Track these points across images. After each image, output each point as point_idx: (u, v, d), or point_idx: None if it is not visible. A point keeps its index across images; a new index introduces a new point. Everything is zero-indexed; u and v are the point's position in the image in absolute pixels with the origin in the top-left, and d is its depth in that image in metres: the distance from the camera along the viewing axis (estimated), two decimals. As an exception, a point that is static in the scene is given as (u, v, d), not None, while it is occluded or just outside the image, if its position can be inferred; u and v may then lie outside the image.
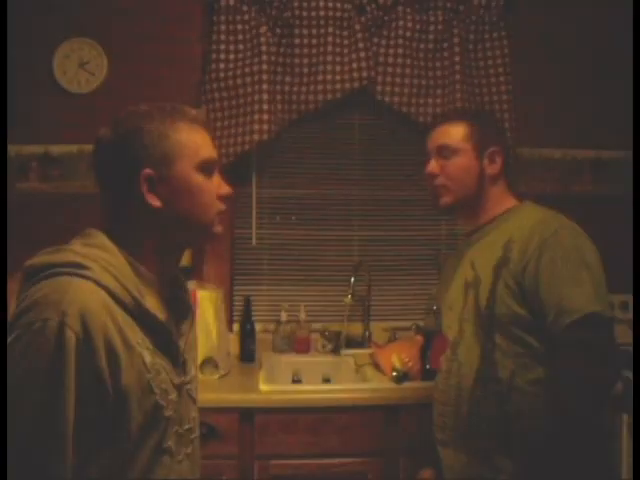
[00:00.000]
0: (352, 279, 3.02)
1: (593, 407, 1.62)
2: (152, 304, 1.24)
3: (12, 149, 2.94)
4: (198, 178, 1.26)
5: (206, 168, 1.27)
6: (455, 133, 1.89)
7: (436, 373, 2.63)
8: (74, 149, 3.00)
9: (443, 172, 1.89)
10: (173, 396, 1.25)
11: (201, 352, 2.74)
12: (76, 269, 1.14)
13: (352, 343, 3.07)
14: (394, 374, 2.63)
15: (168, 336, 1.26)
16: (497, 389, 1.75)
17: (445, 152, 1.89)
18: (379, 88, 2.98)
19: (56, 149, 3.00)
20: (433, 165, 1.91)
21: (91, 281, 1.13)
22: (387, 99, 2.98)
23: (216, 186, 1.30)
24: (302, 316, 3.07)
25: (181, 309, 1.37)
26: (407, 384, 2.60)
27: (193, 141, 1.26)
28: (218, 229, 1.33)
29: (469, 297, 1.85)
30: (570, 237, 1.72)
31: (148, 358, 1.19)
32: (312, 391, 2.60)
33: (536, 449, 1.63)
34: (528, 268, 1.70)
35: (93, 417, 1.10)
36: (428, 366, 2.67)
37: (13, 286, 1.21)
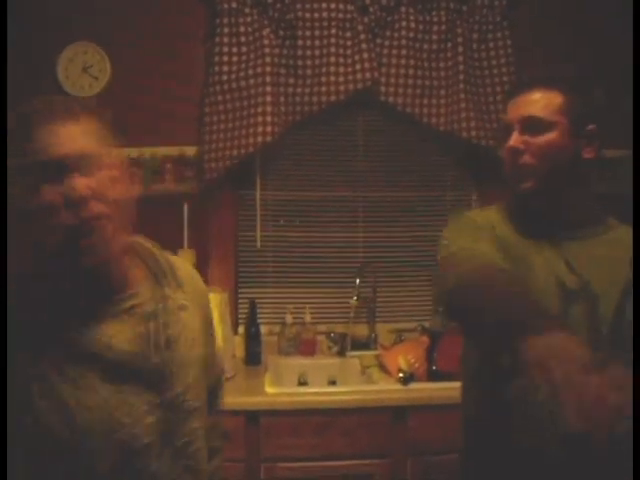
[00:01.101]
0: (357, 281, 3.02)
1: None
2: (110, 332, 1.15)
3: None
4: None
5: (52, 169, 1.08)
6: (548, 103, 1.54)
7: (442, 374, 2.65)
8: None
9: (529, 149, 1.54)
10: (150, 420, 1.16)
11: (206, 355, 2.75)
12: None
13: (358, 345, 3.06)
14: (400, 375, 2.63)
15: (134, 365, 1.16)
16: None
17: (534, 125, 1.54)
18: (383, 89, 2.97)
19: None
20: (517, 139, 1.55)
21: None
22: (391, 100, 2.97)
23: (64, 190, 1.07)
24: (307, 318, 3.07)
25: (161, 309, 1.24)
26: (413, 385, 2.59)
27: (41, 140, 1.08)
28: (86, 260, 1.09)
29: (576, 306, 1.52)
30: None
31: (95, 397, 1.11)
32: (318, 393, 2.59)
33: None
34: None
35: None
36: (434, 367, 2.67)
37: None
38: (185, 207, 3.00)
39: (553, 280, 1.52)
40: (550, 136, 1.53)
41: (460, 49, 2.98)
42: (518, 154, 1.54)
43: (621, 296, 1.50)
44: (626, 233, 1.60)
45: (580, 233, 1.58)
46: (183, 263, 1.41)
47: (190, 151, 3.01)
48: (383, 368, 2.81)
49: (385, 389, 2.60)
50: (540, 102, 1.54)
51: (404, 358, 2.74)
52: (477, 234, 1.56)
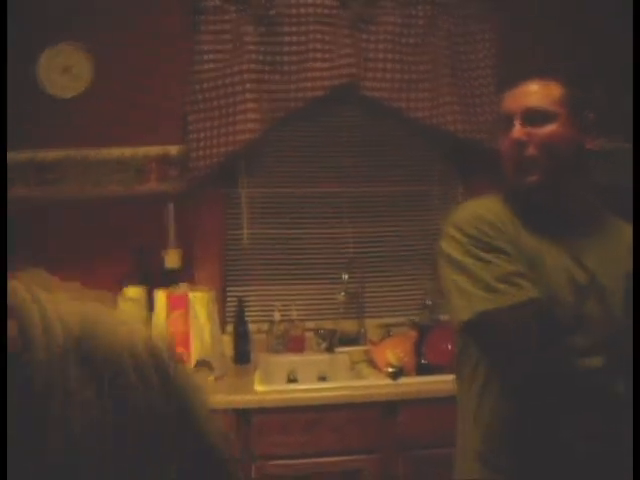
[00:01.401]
0: (345, 276, 3.02)
1: None
2: None
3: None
4: None
5: None
6: (548, 93, 1.51)
7: (431, 367, 2.65)
8: (60, 155, 2.97)
9: (532, 141, 1.50)
10: None
11: (195, 354, 2.74)
12: None
13: (346, 340, 3.06)
14: (389, 370, 2.63)
15: None
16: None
17: (535, 117, 1.50)
18: (367, 84, 2.96)
19: (43, 155, 2.97)
20: (520, 130, 1.50)
21: None
22: (375, 94, 2.97)
23: None
24: (295, 315, 3.06)
25: None
26: (403, 380, 2.59)
27: None
28: None
29: (588, 302, 1.50)
30: None
31: None
32: (308, 390, 2.59)
33: None
34: None
35: None
36: (423, 361, 2.67)
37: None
38: (170, 206, 2.98)
39: (564, 277, 1.50)
40: (552, 127, 1.50)
41: (444, 43, 2.98)
42: (521, 146, 1.50)
43: (626, 283, 1.51)
44: (621, 227, 1.62)
45: (582, 226, 1.58)
46: None
47: (174, 150, 2.99)
48: (372, 363, 2.81)
49: (374, 384, 2.60)
50: (540, 93, 1.51)
51: (393, 352, 2.73)
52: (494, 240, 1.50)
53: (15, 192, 2.93)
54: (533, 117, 1.50)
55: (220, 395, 2.55)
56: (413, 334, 2.83)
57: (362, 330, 3.11)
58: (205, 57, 2.93)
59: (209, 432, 0.65)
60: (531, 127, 1.50)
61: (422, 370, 2.65)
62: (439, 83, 2.98)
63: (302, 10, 2.94)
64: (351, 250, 3.21)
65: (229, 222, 3.15)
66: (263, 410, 2.49)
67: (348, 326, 3.10)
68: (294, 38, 2.94)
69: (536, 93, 1.52)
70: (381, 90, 2.96)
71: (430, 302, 3.09)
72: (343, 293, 3.01)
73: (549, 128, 1.50)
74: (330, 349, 3.02)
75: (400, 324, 3.09)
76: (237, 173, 3.14)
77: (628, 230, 1.60)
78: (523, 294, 1.43)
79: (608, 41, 3.08)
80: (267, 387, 2.56)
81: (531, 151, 1.50)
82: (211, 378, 2.67)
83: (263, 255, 3.18)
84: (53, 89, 2.99)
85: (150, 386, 0.60)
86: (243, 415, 2.48)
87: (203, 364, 2.74)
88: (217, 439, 0.66)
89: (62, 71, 3.00)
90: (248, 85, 2.89)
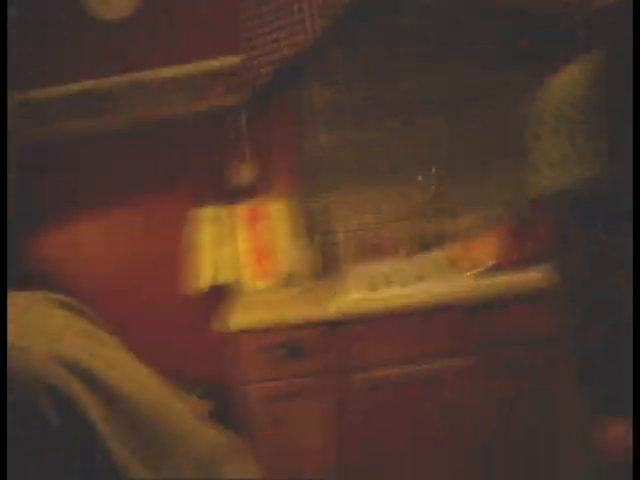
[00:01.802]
0: (425, 175, 2.86)
1: None
2: None
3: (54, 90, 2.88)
4: None
5: None
6: None
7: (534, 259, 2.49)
8: (121, 80, 2.89)
9: None
10: None
11: (280, 267, 2.69)
12: None
13: (431, 243, 2.92)
14: (479, 270, 2.50)
15: None
16: None
17: None
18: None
19: (104, 82, 2.90)
20: None
21: None
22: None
23: None
24: (384, 218, 2.93)
25: None
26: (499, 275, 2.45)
27: None
28: None
29: None
30: None
31: None
32: (397, 295, 2.50)
33: None
34: None
35: None
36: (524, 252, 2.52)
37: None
38: (241, 118, 2.87)
39: None
40: None
41: None
42: None
43: None
44: None
45: None
46: None
47: (234, 61, 2.84)
48: (460, 263, 2.68)
49: (463, 285, 2.48)
50: None
51: (484, 250, 2.61)
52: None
53: (74, 124, 2.89)
54: None
55: (310, 306, 2.50)
56: (503, 228, 2.69)
57: (447, 230, 2.95)
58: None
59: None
60: None
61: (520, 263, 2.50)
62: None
63: None
64: (431, 148, 3.01)
65: (300, 129, 3.00)
66: (351, 319, 2.43)
67: (432, 228, 2.96)
68: None
69: None
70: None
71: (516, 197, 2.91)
72: (425, 193, 2.86)
73: None
74: (415, 252, 2.89)
75: (486, 220, 2.92)
76: (301, 78, 2.98)
77: None
78: None
79: None
80: (355, 294, 2.48)
81: None
82: (298, 290, 2.63)
83: (339, 160, 3.03)
84: (101, 10, 2.87)
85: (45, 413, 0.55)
86: (333, 326, 2.43)
87: (287, 277, 2.69)
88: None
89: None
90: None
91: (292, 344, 2.42)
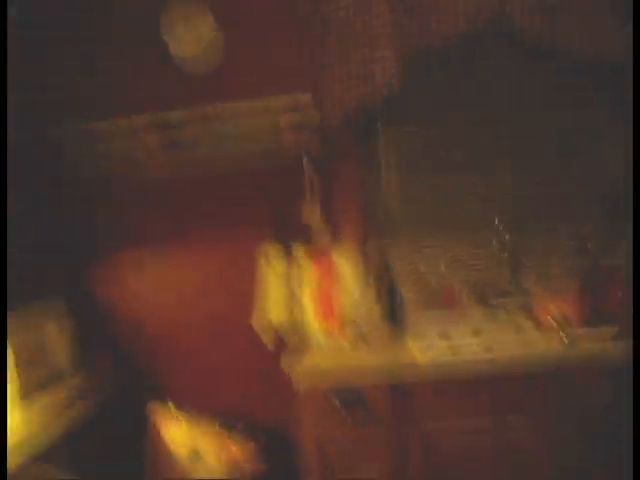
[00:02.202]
0: (496, 221, 2.81)
1: None
2: None
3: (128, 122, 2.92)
4: None
5: None
6: None
7: (602, 315, 2.41)
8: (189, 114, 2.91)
9: None
10: None
11: (341, 312, 2.64)
12: None
13: (501, 294, 2.86)
14: (554, 323, 2.43)
15: None
16: None
17: None
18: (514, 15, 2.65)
19: (173, 116, 2.92)
20: None
21: None
22: (524, 24, 2.66)
23: None
24: (444, 268, 2.88)
25: None
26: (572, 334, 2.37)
27: None
28: None
29: None
30: None
31: None
32: (463, 347, 2.43)
33: None
34: None
35: None
36: (594, 310, 2.44)
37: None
38: (307, 160, 2.86)
39: None
40: None
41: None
42: None
43: None
44: None
45: None
46: None
47: (308, 100, 2.84)
48: (531, 316, 2.61)
49: (536, 341, 2.41)
50: None
51: (555, 305, 2.53)
52: None
53: (145, 158, 2.91)
54: None
55: (369, 355, 2.45)
56: (576, 284, 2.61)
57: (518, 282, 2.89)
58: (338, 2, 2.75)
59: None
60: None
61: (593, 321, 2.42)
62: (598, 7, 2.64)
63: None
64: (504, 198, 2.96)
65: (369, 173, 2.98)
66: (416, 370, 2.36)
67: (503, 278, 2.90)
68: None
69: None
70: (533, 19, 2.65)
71: (591, 247, 2.84)
72: (495, 242, 2.80)
73: None
74: (484, 302, 2.83)
75: (559, 273, 2.85)
76: (375, 122, 2.96)
77: None
78: None
79: None
80: (420, 344, 2.42)
81: None
82: (358, 337, 2.58)
83: (408, 206, 3.00)
84: (177, 47, 2.91)
85: None
86: (395, 379, 2.37)
87: (350, 322, 2.64)
88: None
89: (186, 28, 2.92)
90: (385, 29, 2.70)
91: (353, 393, 2.36)
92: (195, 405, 2.92)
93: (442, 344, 2.54)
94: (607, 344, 2.28)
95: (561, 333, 2.39)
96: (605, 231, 2.84)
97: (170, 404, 2.89)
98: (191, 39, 2.93)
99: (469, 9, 2.67)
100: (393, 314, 2.78)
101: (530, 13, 2.65)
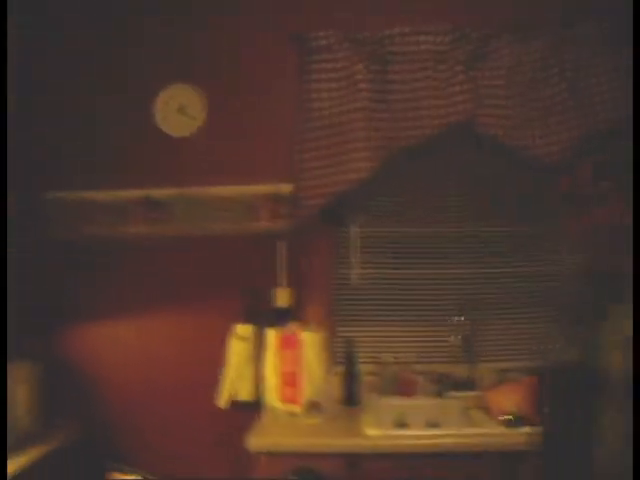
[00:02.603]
0: (457, 318, 2.92)
1: None
2: None
3: (115, 194, 3.04)
4: None
5: None
6: None
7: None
8: (174, 193, 3.04)
9: None
10: None
11: (304, 394, 2.71)
12: None
13: (458, 385, 2.95)
14: (506, 418, 2.50)
15: None
16: None
17: None
18: (481, 121, 2.88)
19: (158, 193, 3.05)
20: None
21: None
22: (490, 132, 2.88)
23: None
24: (405, 357, 2.98)
25: None
26: (525, 429, 2.45)
27: None
28: None
29: None
30: None
31: None
32: (419, 436, 2.50)
33: None
34: None
35: None
36: (546, 410, 2.52)
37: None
38: (281, 245, 2.98)
39: None
40: None
41: (564, 75, 2.86)
42: None
43: None
44: None
45: None
46: None
47: (285, 189, 3.00)
48: (485, 410, 2.69)
49: (491, 432, 2.48)
50: None
51: (509, 399, 2.61)
52: None
53: (127, 229, 3.02)
54: None
55: (329, 438, 2.50)
56: (529, 380, 2.70)
57: (475, 375, 2.99)
58: (316, 96, 2.93)
59: None
60: None
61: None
62: (561, 117, 2.86)
63: (415, 48, 2.91)
64: (464, 291, 3.10)
65: (339, 261, 3.12)
66: (372, 455, 2.42)
67: (459, 370, 2.99)
68: (406, 76, 2.91)
69: None
70: (497, 127, 2.87)
71: (547, 346, 2.94)
72: (455, 336, 2.92)
73: None
74: (441, 394, 2.92)
75: (515, 369, 2.95)
76: (347, 212, 3.11)
77: None
78: None
79: None
80: (378, 431, 2.49)
81: None
82: (319, 420, 2.63)
83: (373, 295, 3.13)
84: (168, 128, 3.07)
85: None
86: (352, 459, 2.42)
87: (312, 405, 2.70)
88: None
89: (177, 111, 3.08)
90: (359, 124, 2.88)
91: (310, 472, 2.40)
92: (158, 470, 2.95)
93: (398, 433, 2.61)
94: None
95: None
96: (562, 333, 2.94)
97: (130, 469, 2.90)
98: (184, 123, 3.09)
99: (440, 112, 2.87)
100: (353, 399, 2.86)
101: (490, 119, 2.87)
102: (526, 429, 2.44)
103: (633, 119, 1.81)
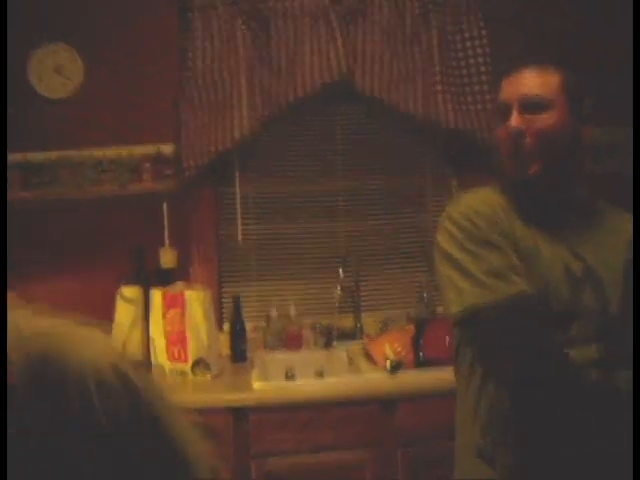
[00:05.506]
0: (340, 271, 3.01)
1: None
2: None
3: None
4: None
5: None
6: (546, 81, 1.47)
7: (429, 361, 2.64)
8: (53, 156, 2.96)
9: (530, 130, 1.45)
10: None
11: (192, 353, 2.73)
12: None
13: (344, 336, 3.05)
14: (387, 364, 2.62)
15: None
16: None
17: (533, 104, 1.46)
18: (358, 78, 2.94)
19: (36, 157, 2.96)
20: (518, 119, 1.46)
21: None
22: (367, 88, 2.95)
23: None
24: (292, 312, 3.04)
25: None
26: (401, 374, 2.58)
27: None
28: None
29: (584, 293, 1.49)
30: None
31: None
32: (305, 386, 2.58)
33: None
34: None
35: None
36: (421, 355, 2.66)
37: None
38: (165, 206, 2.97)
39: (562, 268, 1.48)
40: (551, 115, 1.46)
41: (435, 39, 2.95)
42: (519, 136, 1.46)
43: (623, 278, 1.50)
44: (619, 217, 1.61)
45: (579, 218, 1.56)
46: None
47: (167, 149, 2.98)
48: (370, 358, 2.79)
49: (373, 379, 2.59)
50: (538, 80, 1.47)
51: (390, 347, 2.72)
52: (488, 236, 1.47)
53: (8, 195, 2.92)
54: (531, 105, 1.46)
55: (217, 394, 2.55)
56: (411, 328, 2.82)
57: (359, 325, 3.09)
58: (197, 54, 2.91)
59: (179, 438, 0.66)
60: (529, 115, 1.46)
61: (421, 364, 2.64)
62: (432, 77, 2.95)
63: (293, 5, 2.92)
64: (346, 246, 3.19)
65: (224, 220, 3.13)
66: (261, 408, 2.49)
67: (345, 322, 3.09)
68: (285, 34, 2.93)
69: (533, 80, 1.47)
70: (373, 84, 2.94)
71: (426, 295, 3.08)
72: (339, 288, 3.00)
73: (548, 116, 1.46)
74: (327, 345, 3.01)
75: (397, 318, 3.08)
76: (230, 171, 3.12)
77: (627, 220, 1.58)
78: (513, 288, 1.43)
79: (606, 25, 3.06)
80: (265, 384, 2.55)
81: (529, 141, 1.45)
82: (208, 377, 2.67)
83: (258, 253, 3.17)
84: (45, 90, 2.98)
85: (118, 407, 0.59)
86: (240, 413, 2.48)
87: (200, 363, 2.73)
88: (186, 442, 0.67)
89: (53, 72, 2.98)
90: (240, 81, 2.88)
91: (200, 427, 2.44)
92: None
93: (283, 384, 2.68)
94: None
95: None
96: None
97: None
98: (59, 83, 3.00)
99: (321, 69, 2.91)
100: (242, 356, 2.90)
101: (371, 79, 2.93)
102: (405, 374, 2.58)
103: (633, 119, 1.88)
